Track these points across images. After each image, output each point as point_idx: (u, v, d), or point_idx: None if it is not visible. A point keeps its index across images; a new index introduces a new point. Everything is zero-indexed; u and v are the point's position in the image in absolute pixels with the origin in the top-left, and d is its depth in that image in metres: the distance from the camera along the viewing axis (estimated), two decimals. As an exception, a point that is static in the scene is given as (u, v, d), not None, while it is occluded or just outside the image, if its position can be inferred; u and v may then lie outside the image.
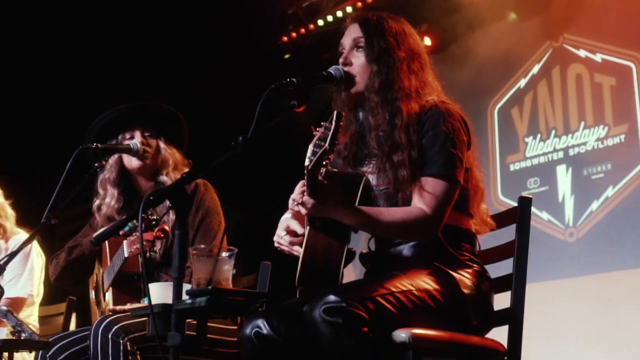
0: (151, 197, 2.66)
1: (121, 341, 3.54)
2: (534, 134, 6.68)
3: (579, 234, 6.29)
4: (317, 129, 2.81)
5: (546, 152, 6.57)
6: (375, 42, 3.09)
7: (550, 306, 6.13)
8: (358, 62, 3.11)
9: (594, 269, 6.13)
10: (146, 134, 4.07)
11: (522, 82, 6.81)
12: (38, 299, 4.78)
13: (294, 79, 2.96)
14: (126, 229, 3.72)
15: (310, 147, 2.78)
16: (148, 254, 3.77)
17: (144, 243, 3.65)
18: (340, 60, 3.14)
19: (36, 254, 4.73)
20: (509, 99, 6.90)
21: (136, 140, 4.03)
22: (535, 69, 6.74)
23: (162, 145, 4.09)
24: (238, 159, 2.84)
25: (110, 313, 3.76)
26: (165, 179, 4.03)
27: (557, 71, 6.62)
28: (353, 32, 3.15)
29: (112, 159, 4.07)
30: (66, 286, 4.32)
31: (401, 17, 3.24)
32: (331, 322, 2.60)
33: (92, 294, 4.33)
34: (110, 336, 3.54)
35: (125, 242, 3.76)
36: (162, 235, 3.67)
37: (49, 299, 5.03)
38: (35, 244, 4.73)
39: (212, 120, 7.03)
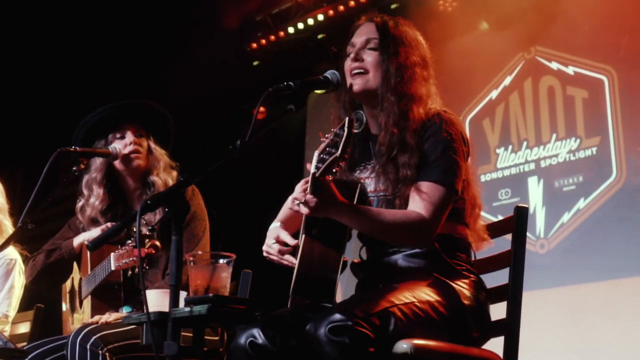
0: (148, 202, 2.56)
1: (100, 352, 3.45)
2: (506, 145, 6.67)
3: (550, 246, 6.28)
4: (326, 135, 2.74)
5: (517, 163, 6.56)
6: (392, 42, 3.06)
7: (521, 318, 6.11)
8: (371, 59, 3.07)
9: (565, 280, 6.12)
10: (138, 134, 3.98)
11: (494, 94, 6.80)
12: (12, 316, 4.57)
13: (291, 83, 2.91)
14: None
15: (317, 154, 2.71)
16: (137, 270, 3.65)
17: (135, 259, 3.55)
18: (351, 56, 3.09)
19: (19, 272, 4.48)
20: (481, 110, 6.87)
21: (127, 139, 3.93)
22: (507, 80, 6.73)
23: (152, 145, 4.00)
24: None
25: (88, 323, 3.64)
26: (155, 179, 3.94)
27: (529, 83, 6.61)
28: (367, 31, 3.12)
29: (99, 159, 3.96)
30: (42, 289, 4.16)
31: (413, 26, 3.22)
32: (337, 342, 2.53)
33: (65, 306, 4.18)
34: (88, 347, 3.45)
35: (112, 254, 3.64)
36: (153, 252, 3.56)
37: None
38: (19, 261, 4.52)
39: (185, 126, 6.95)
